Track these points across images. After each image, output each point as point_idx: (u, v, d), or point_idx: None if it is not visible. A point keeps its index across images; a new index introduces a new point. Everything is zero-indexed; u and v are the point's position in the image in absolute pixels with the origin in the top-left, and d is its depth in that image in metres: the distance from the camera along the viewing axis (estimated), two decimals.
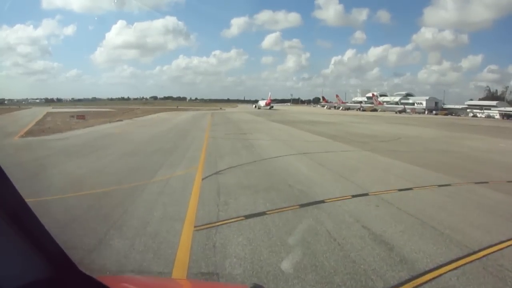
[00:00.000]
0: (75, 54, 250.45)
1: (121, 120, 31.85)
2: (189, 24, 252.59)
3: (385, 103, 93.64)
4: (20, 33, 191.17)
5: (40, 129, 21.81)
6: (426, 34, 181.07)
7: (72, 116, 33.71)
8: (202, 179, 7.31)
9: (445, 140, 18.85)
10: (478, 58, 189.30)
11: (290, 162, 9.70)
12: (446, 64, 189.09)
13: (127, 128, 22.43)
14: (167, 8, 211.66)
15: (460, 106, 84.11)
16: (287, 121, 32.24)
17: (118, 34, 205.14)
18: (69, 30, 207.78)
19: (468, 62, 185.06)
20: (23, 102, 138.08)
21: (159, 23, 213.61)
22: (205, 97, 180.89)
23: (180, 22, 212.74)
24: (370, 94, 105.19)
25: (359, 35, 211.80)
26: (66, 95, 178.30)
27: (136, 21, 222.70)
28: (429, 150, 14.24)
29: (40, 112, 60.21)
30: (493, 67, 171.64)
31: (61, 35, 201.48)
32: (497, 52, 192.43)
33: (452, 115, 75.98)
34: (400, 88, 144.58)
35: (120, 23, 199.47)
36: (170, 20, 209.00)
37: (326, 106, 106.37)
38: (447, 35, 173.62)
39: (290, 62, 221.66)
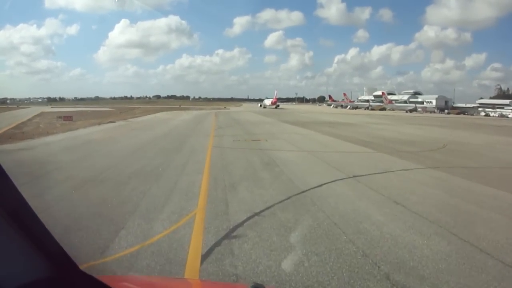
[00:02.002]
0: (79, 54, 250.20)
1: (113, 122, 28.25)
2: (192, 23, 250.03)
3: (393, 102, 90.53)
4: (23, 33, 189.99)
5: (10, 134, 18.23)
6: (429, 32, 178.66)
7: (60, 117, 30.08)
8: (202, 257, 3.59)
9: (502, 148, 15.19)
10: (481, 57, 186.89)
11: (347, 200, 5.93)
12: (449, 63, 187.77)
13: (114, 133, 18.78)
14: (169, 7, 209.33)
15: (472, 105, 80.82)
16: (301, 123, 28.45)
17: (121, 33, 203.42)
18: (72, 29, 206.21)
19: (472, 60, 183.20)
20: (25, 102, 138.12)
21: (162, 22, 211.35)
22: (209, 96, 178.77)
23: (183, 21, 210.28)
24: (377, 93, 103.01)
25: (361, 33, 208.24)
26: (69, 94, 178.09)
27: (139, 21, 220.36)
28: (509, 165, 10.54)
29: (35, 111, 57.58)
30: (496, 65, 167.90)
31: (64, 35, 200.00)
32: (501, 50, 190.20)
33: (464, 114, 72.49)
34: (404, 86, 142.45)
35: (123, 22, 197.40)
36: (173, 19, 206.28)
37: (333, 105, 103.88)
38: (450, 33, 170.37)
39: (293, 61, 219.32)
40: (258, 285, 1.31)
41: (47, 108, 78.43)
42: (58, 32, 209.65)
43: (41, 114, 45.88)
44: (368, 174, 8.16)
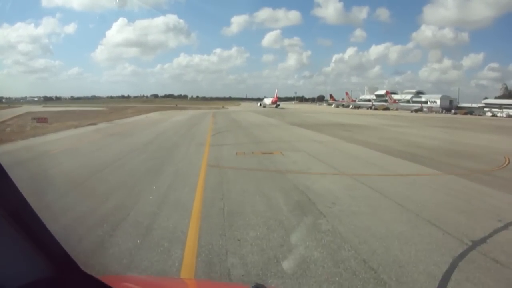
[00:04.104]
0: (76, 52, 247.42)
1: (94, 124, 24.38)
2: (190, 22, 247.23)
3: (398, 101, 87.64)
4: (21, 31, 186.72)
5: None
6: (426, 32, 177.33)
7: (34, 119, 26.25)
8: None
9: None
10: (479, 56, 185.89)
11: None
12: (447, 62, 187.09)
13: (84, 140, 14.96)
14: (167, 6, 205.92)
15: (477, 105, 78.09)
16: (311, 125, 24.65)
17: (119, 32, 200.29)
18: (70, 28, 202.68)
19: (469, 60, 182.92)
20: (21, 101, 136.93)
21: (159, 21, 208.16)
22: (207, 95, 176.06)
23: (180, 20, 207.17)
24: (379, 92, 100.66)
25: (359, 33, 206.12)
26: (67, 93, 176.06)
27: (137, 19, 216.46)
28: None
29: (20, 111, 54.41)
30: (494, 65, 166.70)
31: (62, 33, 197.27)
32: (498, 50, 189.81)
33: (471, 114, 69.66)
34: (401, 86, 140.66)
35: (121, 20, 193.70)
36: (171, 18, 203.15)
37: (334, 105, 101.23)
38: (447, 33, 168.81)
39: (291, 60, 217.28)
40: (259, 285, 1.23)
41: (38, 108, 75.52)
42: (56, 31, 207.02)
43: (24, 115, 42.15)
44: (491, 234, 4.42)
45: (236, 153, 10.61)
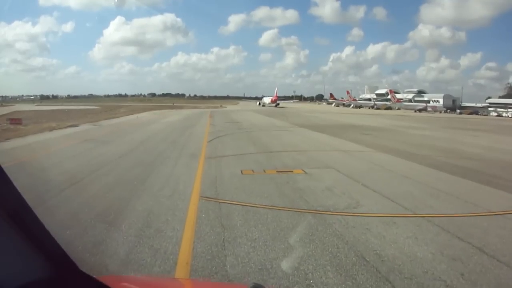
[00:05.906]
0: (74, 51, 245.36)
1: (75, 126, 21.38)
2: (187, 21, 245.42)
3: (401, 101, 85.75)
4: (18, 30, 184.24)
5: None
6: (423, 31, 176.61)
7: (7, 120, 23.40)
8: None
9: None
10: (476, 56, 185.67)
11: None
12: (444, 62, 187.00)
13: (50, 149, 12.02)
14: (164, 5, 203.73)
15: (481, 105, 76.94)
16: (320, 127, 21.78)
17: (117, 30, 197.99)
18: (67, 27, 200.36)
19: (467, 59, 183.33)
20: (18, 99, 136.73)
21: (157, 20, 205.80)
22: (204, 94, 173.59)
23: (178, 19, 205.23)
24: (380, 91, 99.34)
25: (356, 32, 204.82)
26: (65, 91, 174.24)
27: (134, 18, 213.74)
28: None
29: (8, 110, 52.19)
30: (491, 64, 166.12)
31: (59, 32, 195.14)
32: (495, 49, 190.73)
33: (477, 114, 68.26)
34: (400, 85, 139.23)
35: (118, 19, 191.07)
36: (169, 17, 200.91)
37: (334, 104, 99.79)
38: (445, 32, 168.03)
39: (289, 59, 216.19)
40: (257, 285, 1.21)
41: (29, 107, 73.08)
42: (53, 29, 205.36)
43: (7, 115, 39.15)
44: None
45: (241, 172, 7.69)
